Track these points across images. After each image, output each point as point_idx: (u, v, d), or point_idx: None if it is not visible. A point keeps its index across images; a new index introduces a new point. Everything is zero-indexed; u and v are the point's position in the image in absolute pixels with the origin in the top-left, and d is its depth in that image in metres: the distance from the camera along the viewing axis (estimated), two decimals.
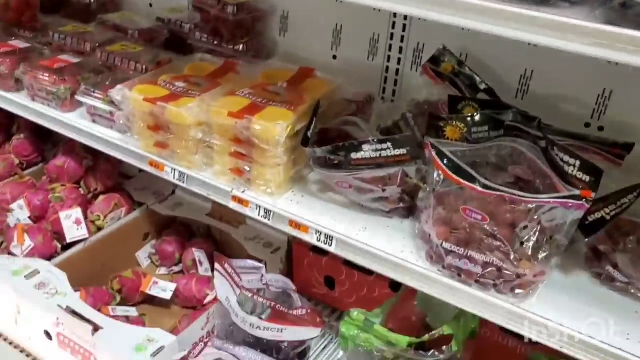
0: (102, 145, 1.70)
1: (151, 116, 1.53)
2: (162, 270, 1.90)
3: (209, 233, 1.96)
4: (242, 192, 1.47)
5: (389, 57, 1.94)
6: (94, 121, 1.74)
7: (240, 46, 2.03)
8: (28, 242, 1.63)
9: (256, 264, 1.43)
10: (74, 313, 1.43)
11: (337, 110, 1.61)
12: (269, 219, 1.43)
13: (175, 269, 1.91)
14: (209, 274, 1.80)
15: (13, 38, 2.01)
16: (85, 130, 1.72)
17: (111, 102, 1.67)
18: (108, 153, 1.69)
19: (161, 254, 1.90)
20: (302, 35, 2.06)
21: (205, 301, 1.67)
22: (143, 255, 1.93)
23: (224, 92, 1.52)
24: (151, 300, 1.76)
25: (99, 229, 1.82)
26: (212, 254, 1.90)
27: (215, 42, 2.06)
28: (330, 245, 1.35)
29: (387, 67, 1.96)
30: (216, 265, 1.45)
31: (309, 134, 1.40)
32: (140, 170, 2.15)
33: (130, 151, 1.62)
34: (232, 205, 1.48)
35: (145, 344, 1.36)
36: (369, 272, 1.64)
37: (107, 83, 1.74)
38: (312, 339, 1.33)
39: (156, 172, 1.59)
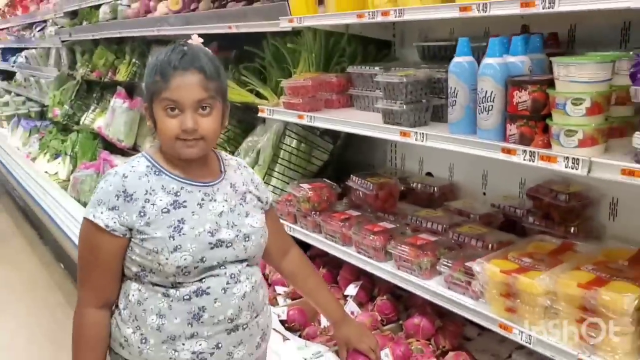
0: (457, 308, 2.05)
1: (504, 285, 1.84)
2: None
3: None
4: (589, 356, 1.64)
5: None
6: (449, 288, 2.12)
7: (572, 229, 2.29)
8: None
9: None
10: None
11: None
12: None
13: None
14: None
15: (381, 221, 2.58)
16: (443, 295, 2.10)
17: (466, 273, 2.04)
18: (461, 315, 2.03)
19: None
20: (633, 219, 2.23)
21: None
22: None
23: (570, 267, 1.77)
24: None
25: None
26: None
27: (548, 226, 2.35)
28: None
29: None
30: None
31: None
32: (479, 334, 2.45)
33: (482, 314, 1.94)
34: None
35: None
36: None
37: (461, 257, 2.14)
38: None
39: (505, 333, 1.86)
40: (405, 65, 2.64)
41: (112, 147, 5.65)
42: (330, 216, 2.66)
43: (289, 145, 3.26)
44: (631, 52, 1.67)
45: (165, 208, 1.64)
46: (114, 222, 1.62)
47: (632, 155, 1.53)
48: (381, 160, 3.33)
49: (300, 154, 3.25)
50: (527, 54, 1.93)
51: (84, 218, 1.67)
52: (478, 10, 1.88)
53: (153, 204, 1.63)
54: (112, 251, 1.66)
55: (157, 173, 1.68)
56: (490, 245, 2.21)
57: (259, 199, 1.86)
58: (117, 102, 5.48)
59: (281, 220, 2.92)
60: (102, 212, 1.63)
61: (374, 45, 3.11)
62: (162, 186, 1.66)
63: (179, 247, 1.61)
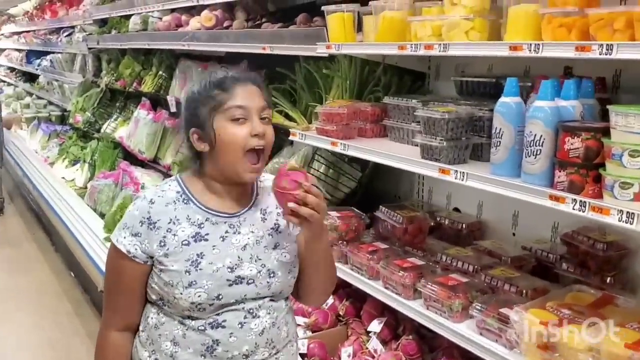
0: (488, 356, 1.97)
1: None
2: None
3: None
4: None
5: None
6: (481, 334, 2.05)
7: (608, 279, 2.21)
8: None
9: None
10: None
11: None
12: None
13: None
14: None
15: (410, 256, 2.52)
16: (474, 340, 2.03)
17: (500, 320, 1.97)
18: None
19: None
20: None
21: None
22: None
23: (614, 324, 1.70)
24: None
25: None
26: None
27: (583, 274, 2.28)
28: None
29: None
30: None
31: None
32: None
33: None
34: None
35: None
36: None
37: (494, 302, 2.07)
38: None
39: None
40: (440, 98, 2.60)
41: (132, 158, 5.62)
42: (357, 247, 2.60)
43: (317, 170, 3.21)
44: None
45: (185, 240, 1.58)
46: (135, 249, 1.59)
47: None
48: (407, 191, 3.27)
49: (327, 180, 3.20)
50: (578, 98, 1.88)
51: (111, 241, 1.64)
52: (529, 50, 1.84)
53: (174, 235, 1.59)
54: (134, 276, 1.62)
55: (185, 201, 1.63)
56: (524, 292, 2.14)
57: None
58: (141, 114, 5.47)
59: None
60: (124, 237, 1.60)
61: (409, 77, 3.07)
62: (187, 216, 1.61)
63: (194, 282, 1.55)
